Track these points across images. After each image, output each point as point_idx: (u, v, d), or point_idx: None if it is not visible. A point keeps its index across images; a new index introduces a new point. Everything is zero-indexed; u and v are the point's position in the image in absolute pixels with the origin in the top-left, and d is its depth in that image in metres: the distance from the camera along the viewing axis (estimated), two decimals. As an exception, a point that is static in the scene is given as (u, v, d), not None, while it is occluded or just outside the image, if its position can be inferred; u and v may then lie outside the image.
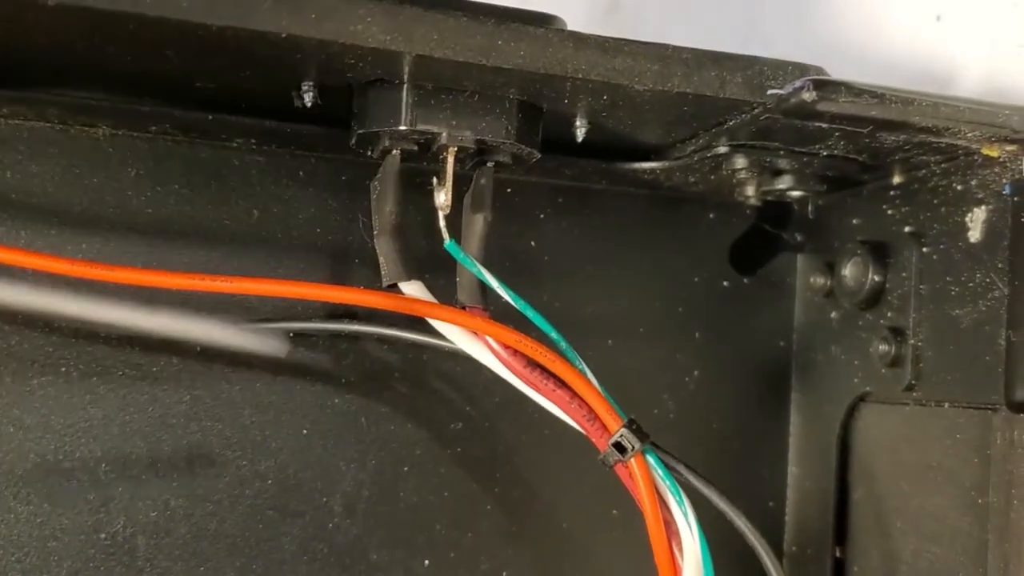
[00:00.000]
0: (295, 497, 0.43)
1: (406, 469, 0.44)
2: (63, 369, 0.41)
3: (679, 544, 0.37)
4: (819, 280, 0.46)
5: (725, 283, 0.48)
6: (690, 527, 0.37)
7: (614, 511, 0.46)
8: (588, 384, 0.38)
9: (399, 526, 0.44)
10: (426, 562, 0.44)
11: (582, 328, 0.46)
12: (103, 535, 0.41)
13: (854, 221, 0.45)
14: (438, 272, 0.40)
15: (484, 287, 0.39)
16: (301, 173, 0.43)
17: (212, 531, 0.42)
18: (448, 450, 0.45)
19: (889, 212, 0.43)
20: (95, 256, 0.41)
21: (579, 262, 0.46)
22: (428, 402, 0.45)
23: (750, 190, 0.45)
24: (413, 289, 0.39)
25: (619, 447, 0.37)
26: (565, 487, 0.46)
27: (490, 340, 0.38)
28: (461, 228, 0.39)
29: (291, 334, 0.43)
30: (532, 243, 0.46)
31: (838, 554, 0.45)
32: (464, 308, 0.39)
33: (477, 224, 0.39)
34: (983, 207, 0.39)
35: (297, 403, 0.43)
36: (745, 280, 0.48)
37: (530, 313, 0.39)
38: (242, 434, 0.42)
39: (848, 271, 0.45)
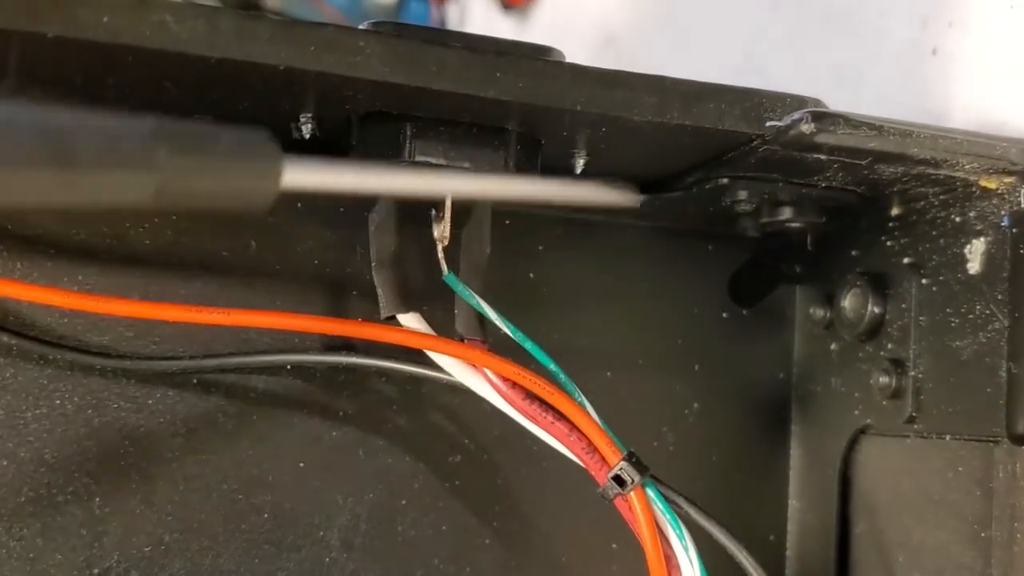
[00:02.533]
0: (291, 531, 0.43)
1: (404, 502, 0.44)
2: (58, 402, 0.41)
3: (679, 578, 0.37)
4: (819, 312, 0.46)
5: (724, 315, 0.48)
6: (691, 562, 0.37)
7: (613, 545, 0.45)
8: (587, 416, 0.38)
9: (397, 560, 0.43)
10: (425, 595, 0.44)
11: (581, 360, 0.45)
12: (96, 570, 0.41)
13: (853, 252, 0.45)
14: (436, 304, 0.40)
15: (483, 319, 0.39)
16: (299, 204, 0.43)
17: (207, 566, 0.42)
18: (447, 483, 0.44)
19: (888, 243, 0.43)
20: (92, 288, 0.41)
21: (578, 294, 0.46)
22: (427, 435, 0.44)
23: (749, 222, 0.45)
24: (411, 321, 0.39)
25: (618, 480, 0.37)
26: (564, 520, 0.45)
27: (489, 372, 0.38)
28: (460, 260, 0.39)
29: (288, 367, 0.43)
30: (531, 275, 0.46)
31: (839, 587, 0.45)
32: (463, 340, 0.39)
33: (476, 256, 0.39)
34: (982, 239, 0.39)
35: (294, 436, 0.43)
36: (744, 312, 0.48)
37: (529, 345, 0.39)
38: (238, 467, 0.42)
39: (847, 302, 0.44)
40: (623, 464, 0.37)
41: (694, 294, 0.48)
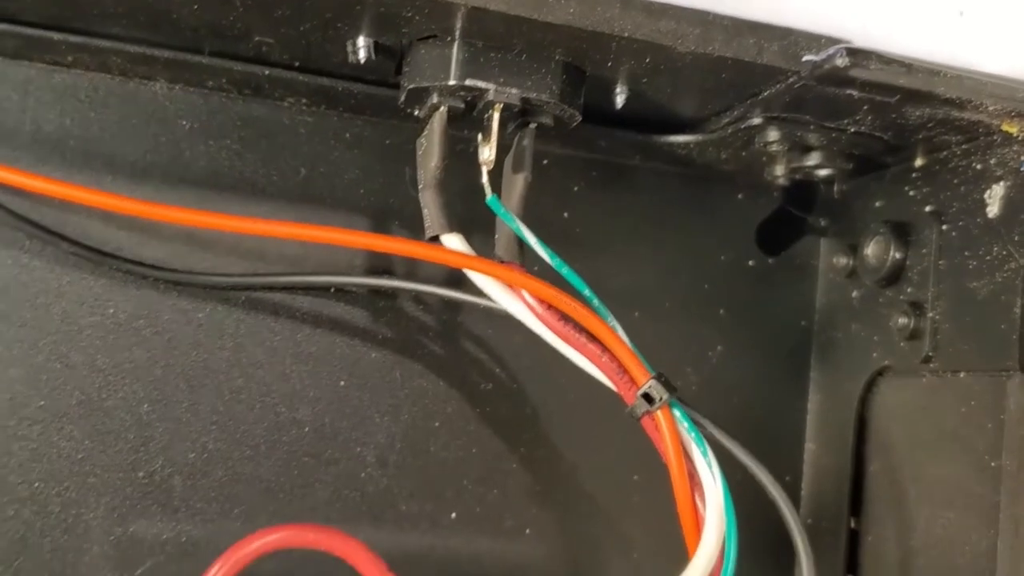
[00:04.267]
0: (330, 445, 0.44)
1: (437, 424, 0.46)
2: (111, 311, 0.43)
3: (702, 495, 0.39)
4: (842, 260, 0.48)
5: (751, 262, 0.49)
6: (714, 478, 0.38)
7: (635, 476, 0.47)
8: (618, 339, 0.39)
9: (428, 479, 0.45)
10: (453, 515, 0.45)
11: (609, 299, 0.47)
12: (141, 473, 0.43)
13: (877, 204, 0.47)
14: (475, 230, 0.42)
15: (522, 244, 0.41)
16: (348, 135, 0.45)
17: (248, 475, 0.44)
18: (478, 409, 0.46)
19: (911, 193, 0.45)
20: (147, 206, 0.43)
21: (610, 236, 0.48)
22: (461, 362, 0.46)
23: (779, 168, 0.46)
24: (454, 241, 0.40)
25: (647, 398, 0.38)
26: (589, 450, 0.47)
27: (525, 294, 0.40)
28: (502, 186, 0.41)
29: (332, 289, 0.44)
30: (565, 215, 0.48)
31: (853, 525, 0.46)
32: (502, 262, 0.41)
33: (518, 184, 0.41)
34: (1001, 183, 0.40)
35: (336, 355, 0.45)
36: (770, 260, 0.50)
37: (564, 270, 0.40)
38: (282, 382, 0.44)
39: (871, 250, 0.46)
40: (652, 383, 0.38)
41: (722, 241, 0.49)
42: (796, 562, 0.48)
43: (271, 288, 0.44)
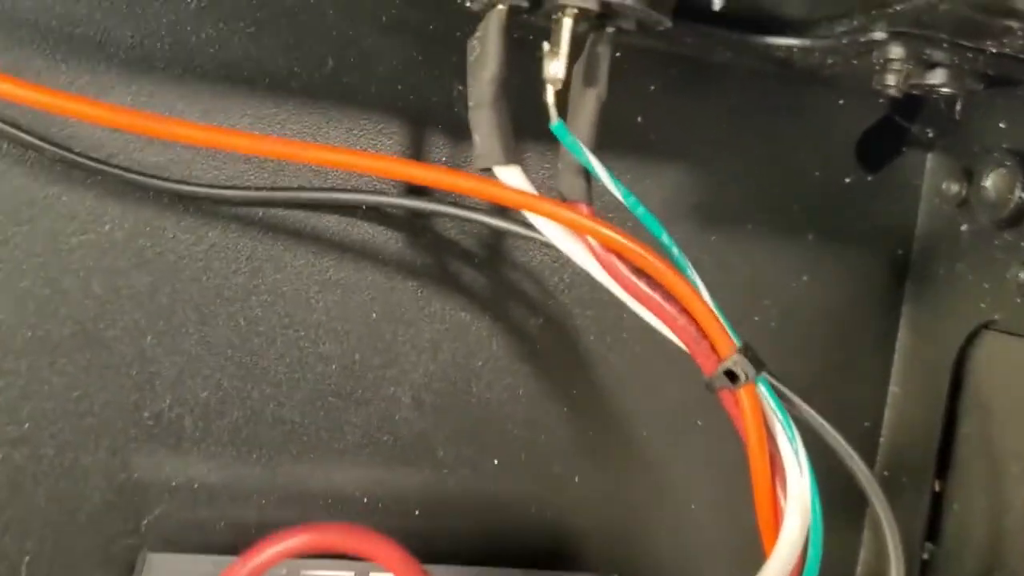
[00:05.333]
0: (360, 384, 0.39)
1: (480, 363, 0.40)
2: (107, 227, 0.37)
3: (783, 482, 0.34)
4: (952, 187, 0.41)
5: (847, 179, 0.43)
6: (800, 466, 0.33)
7: (698, 422, 0.42)
8: (701, 300, 0.33)
9: (469, 423, 0.40)
10: (495, 461, 0.41)
11: (684, 219, 0.41)
12: (147, 414, 0.38)
13: (1001, 124, 0.40)
14: (530, 158, 0.36)
15: (589, 178, 0.34)
16: (384, 18, 0.38)
17: (268, 416, 0.38)
18: (526, 346, 0.41)
19: (1051, 120, 0.38)
20: (147, 100, 0.36)
21: (689, 144, 0.41)
22: (509, 293, 0.40)
23: (893, 79, 0.39)
24: (512, 176, 0.34)
25: (730, 375, 0.33)
26: (647, 394, 0.42)
27: (592, 241, 0.34)
28: (568, 107, 0.34)
29: (364, 207, 0.38)
30: (639, 118, 0.41)
31: (937, 487, 0.41)
32: (565, 201, 0.34)
33: (588, 103, 0.34)
34: None
35: (367, 283, 0.39)
36: (869, 178, 0.43)
37: (640, 212, 0.34)
38: (306, 313, 0.38)
39: (990, 182, 0.39)
40: (737, 358, 0.33)
41: (817, 153, 0.42)
42: (867, 517, 0.45)
43: (292, 205, 0.38)
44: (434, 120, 0.38)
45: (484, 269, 0.40)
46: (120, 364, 0.37)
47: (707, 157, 0.41)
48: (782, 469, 0.34)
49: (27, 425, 0.37)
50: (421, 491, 0.40)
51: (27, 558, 0.37)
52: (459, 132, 0.38)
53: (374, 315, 0.39)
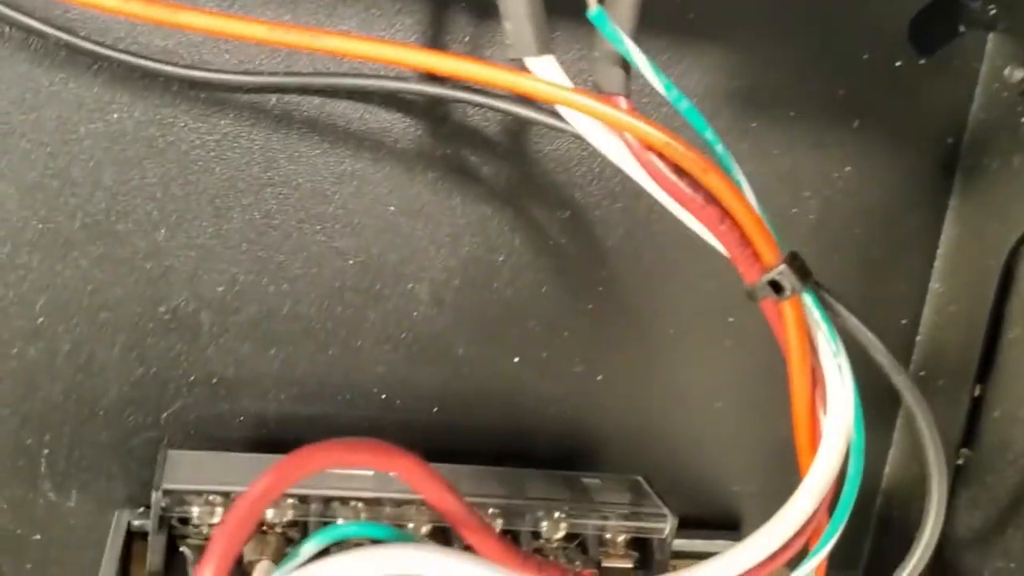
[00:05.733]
0: (378, 280, 0.38)
1: (502, 259, 0.39)
2: (115, 116, 0.35)
3: (823, 397, 0.32)
4: (1017, 73, 0.38)
5: (898, 63, 0.40)
6: (843, 382, 0.32)
7: (730, 318, 0.41)
8: (746, 204, 0.31)
9: (489, 320, 0.39)
10: (516, 359, 0.40)
11: (721, 104, 0.39)
12: (162, 308, 0.36)
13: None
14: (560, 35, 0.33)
15: (629, 68, 0.32)
16: None
17: (285, 311, 0.37)
18: (550, 240, 0.39)
19: None
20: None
21: (729, 24, 0.38)
22: (533, 184, 0.38)
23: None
24: (545, 68, 0.31)
25: (775, 285, 0.31)
26: (676, 289, 0.40)
27: (629, 137, 0.32)
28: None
29: (381, 93, 0.36)
30: (675, -5, 0.38)
31: (977, 392, 0.40)
32: (600, 93, 0.32)
33: (630, -12, 0.31)
34: None
35: (385, 175, 0.37)
36: (922, 61, 0.40)
37: (684, 106, 0.32)
38: (322, 205, 0.37)
39: (1057, 68, 0.37)
40: (783, 268, 0.31)
41: (865, 34, 0.39)
42: (900, 417, 0.44)
43: (307, 91, 0.36)
44: (459, -4, 0.36)
45: (507, 159, 0.38)
46: (133, 258, 0.36)
47: (749, 38, 0.38)
48: (823, 383, 0.32)
49: (41, 320, 0.36)
50: (440, 388, 0.39)
51: (46, 451, 0.37)
52: (482, 8, 0.35)
53: (392, 208, 0.37)
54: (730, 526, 0.43)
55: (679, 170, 0.32)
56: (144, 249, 0.36)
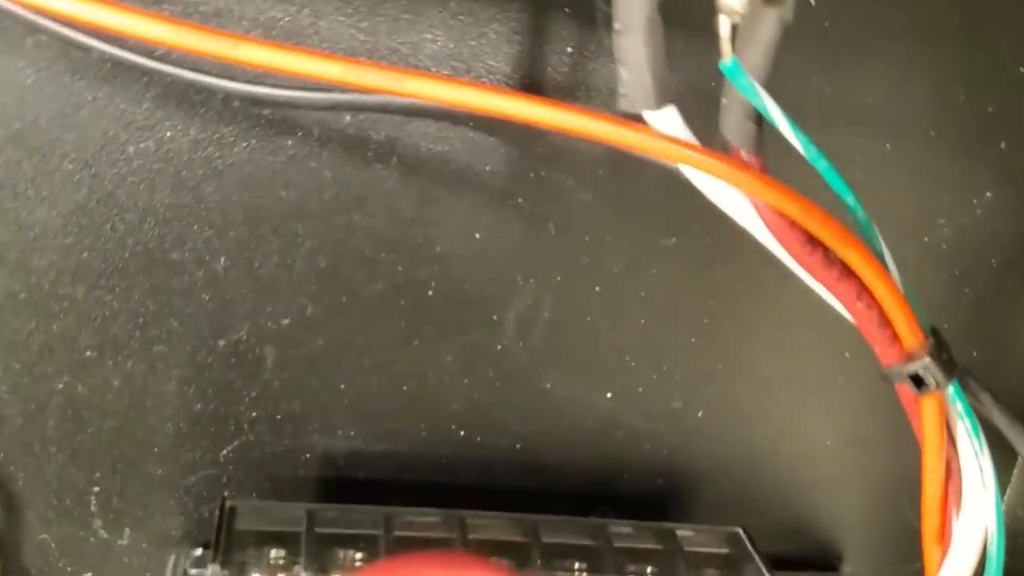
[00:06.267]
0: (459, 312, 0.34)
1: (598, 289, 0.35)
2: (168, 135, 0.30)
3: (957, 497, 0.29)
4: None
5: (1058, 79, 0.35)
6: (984, 483, 0.28)
7: (846, 353, 0.37)
8: (890, 283, 0.27)
9: (582, 355, 0.35)
10: (608, 395, 0.36)
11: (857, 121, 0.34)
12: (223, 342, 0.33)
13: None
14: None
15: (761, 122, 0.27)
16: None
17: (357, 344, 0.34)
18: (653, 270, 0.35)
19: None
20: None
21: (865, 32, 0.33)
22: (635, 208, 0.34)
23: None
24: (665, 121, 0.27)
25: (916, 380, 0.27)
26: (789, 322, 0.36)
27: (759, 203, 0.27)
28: (738, 40, 0.26)
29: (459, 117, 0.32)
30: (811, 1, 0.33)
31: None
32: (727, 150, 0.28)
33: (767, 28, 0.26)
34: None
35: (470, 199, 0.33)
36: (1084, 74, 0.35)
37: (822, 166, 0.27)
38: (400, 233, 0.33)
39: None
40: (928, 362, 0.27)
41: (1020, 46, 0.34)
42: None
43: (387, 110, 0.31)
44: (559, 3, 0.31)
45: (608, 181, 0.33)
46: (190, 288, 0.32)
47: (885, 48, 0.33)
48: (958, 477, 0.29)
49: (88, 353, 0.33)
50: (523, 425, 0.36)
51: (96, 489, 0.34)
52: (588, 12, 0.30)
53: (477, 236, 0.33)
54: (829, 567, 0.40)
55: (813, 239, 0.28)
56: (202, 279, 0.32)
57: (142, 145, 0.31)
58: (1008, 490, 0.40)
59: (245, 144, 0.31)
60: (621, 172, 0.33)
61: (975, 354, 0.37)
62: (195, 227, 0.32)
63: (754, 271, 0.35)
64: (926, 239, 0.36)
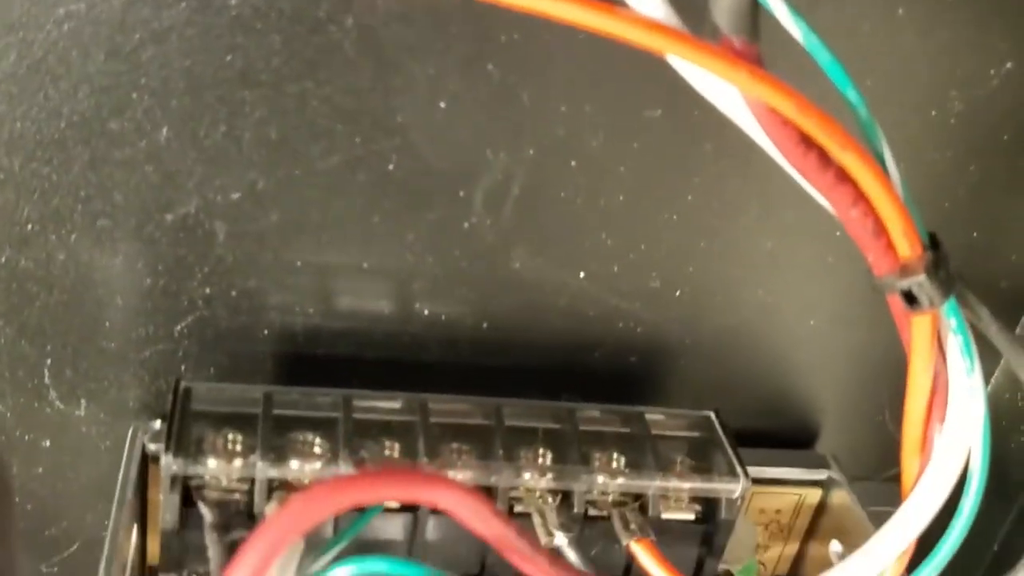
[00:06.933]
0: (423, 186, 0.32)
1: (574, 163, 0.32)
2: (99, -10, 0.28)
3: (942, 411, 0.27)
4: None
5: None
6: (972, 401, 0.26)
7: (837, 232, 0.34)
8: (890, 190, 0.25)
9: (553, 233, 0.33)
10: (581, 274, 0.34)
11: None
12: (170, 216, 0.31)
13: None
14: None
15: (758, 7, 0.24)
16: None
17: (313, 221, 0.32)
18: (635, 142, 0.32)
19: None
20: None
21: None
22: (615, 78, 0.31)
23: None
24: (653, 7, 0.24)
25: (908, 296, 0.25)
26: (773, 206, 0.34)
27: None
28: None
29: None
30: None
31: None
32: (719, 37, 0.24)
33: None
34: None
35: (434, 65, 0.30)
36: None
37: (823, 58, 0.24)
38: (357, 102, 0.30)
39: None
40: (923, 280, 0.25)
41: None
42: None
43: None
44: None
45: (586, 49, 0.30)
46: (133, 161, 0.30)
47: None
48: (944, 391, 0.27)
49: (30, 227, 0.30)
50: (491, 304, 0.34)
51: (48, 361, 0.33)
52: None
53: (442, 104, 0.30)
54: (804, 443, 0.39)
55: (808, 139, 0.25)
56: (144, 151, 0.30)
57: (72, 7, 0.27)
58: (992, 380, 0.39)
59: (184, 4, 0.28)
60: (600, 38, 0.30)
61: (975, 234, 0.35)
62: (134, 95, 0.29)
63: (743, 147, 0.32)
64: (934, 113, 0.33)
